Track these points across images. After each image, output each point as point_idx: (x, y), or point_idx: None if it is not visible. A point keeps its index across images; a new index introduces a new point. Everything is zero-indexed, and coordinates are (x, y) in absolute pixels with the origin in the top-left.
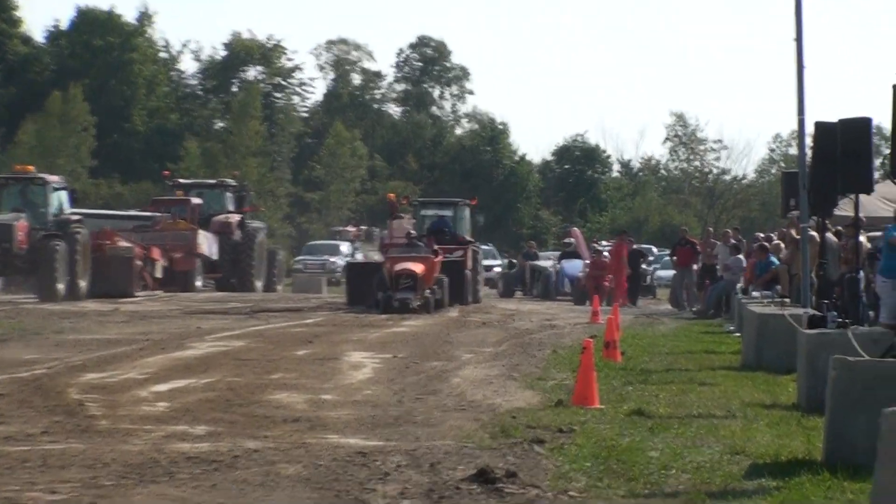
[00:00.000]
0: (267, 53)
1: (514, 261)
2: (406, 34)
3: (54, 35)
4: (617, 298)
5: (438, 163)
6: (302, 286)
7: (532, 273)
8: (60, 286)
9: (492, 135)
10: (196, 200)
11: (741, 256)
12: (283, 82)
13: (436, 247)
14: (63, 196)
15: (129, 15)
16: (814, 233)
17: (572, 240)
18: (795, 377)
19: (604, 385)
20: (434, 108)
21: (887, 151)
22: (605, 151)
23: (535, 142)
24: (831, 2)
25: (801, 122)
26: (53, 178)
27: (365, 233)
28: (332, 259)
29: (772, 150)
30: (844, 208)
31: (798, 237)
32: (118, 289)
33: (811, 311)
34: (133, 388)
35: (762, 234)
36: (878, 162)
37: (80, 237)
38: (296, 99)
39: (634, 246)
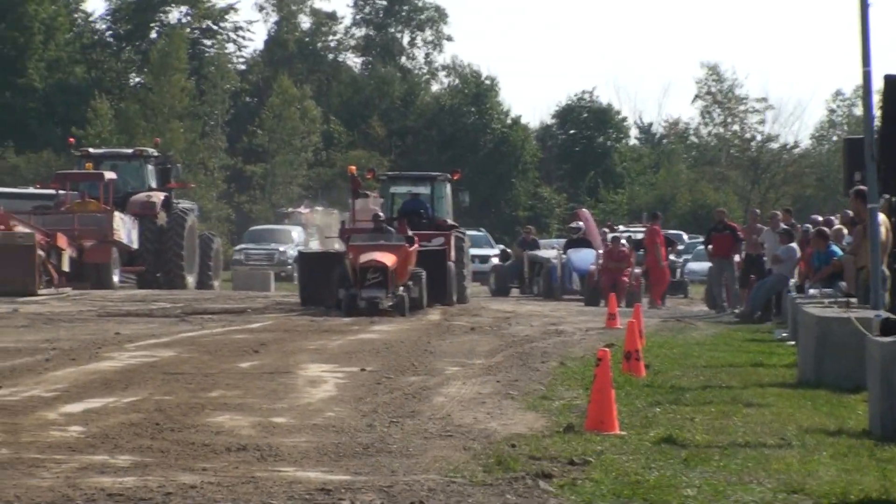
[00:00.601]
0: None
1: (509, 251)
2: None
3: None
4: (657, 298)
5: (411, 127)
6: (244, 282)
7: (531, 266)
8: None
9: (477, 92)
10: (110, 175)
11: (794, 245)
12: (215, 26)
13: (410, 233)
14: None
15: None
16: (884, 215)
17: (581, 224)
18: (866, 396)
19: (625, 406)
20: (404, 59)
21: None
22: (619, 113)
23: (531, 101)
24: None
25: (868, 76)
26: None
27: (321, 215)
28: (281, 248)
29: (831, 112)
30: None
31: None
32: (16, 285)
33: (884, 314)
34: (39, 409)
35: (820, 218)
36: None
37: None
38: (231, 48)
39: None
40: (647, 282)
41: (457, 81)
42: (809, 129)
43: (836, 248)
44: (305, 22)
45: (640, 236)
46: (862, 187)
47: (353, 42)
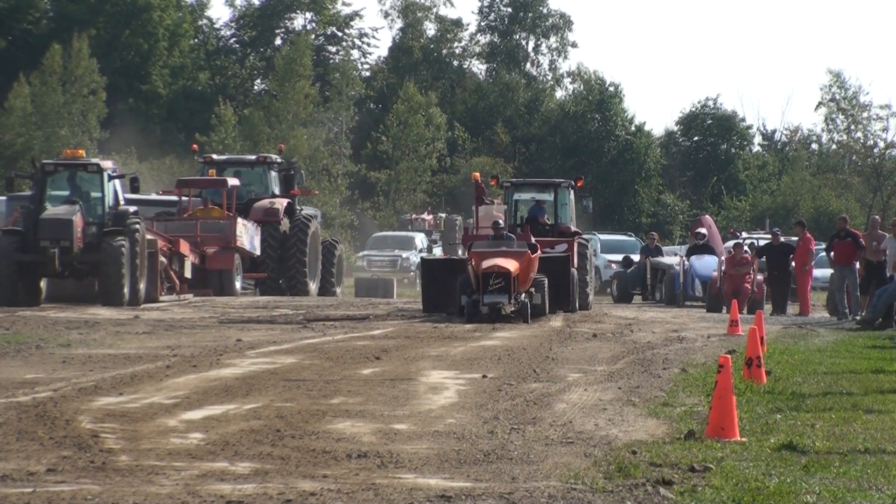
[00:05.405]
0: None
1: (632, 257)
2: None
3: None
4: (805, 307)
5: (535, 134)
6: (367, 288)
7: (654, 272)
8: (126, 290)
9: (601, 99)
10: (233, 181)
11: None
12: (339, 33)
13: (533, 239)
14: (118, 185)
15: None
16: None
17: (704, 230)
18: None
19: (746, 412)
20: (528, 66)
21: None
22: (743, 120)
23: (655, 108)
24: None
25: None
26: (108, 165)
27: (444, 222)
28: (404, 255)
29: None
30: None
31: None
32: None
33: None
34: (159, 416)
35: None
36: None
37: (139, 233)
38: (355, 54)
39: (782, 239)
40: (769, 289)
41: (581, 88)
42: None
43: None
44: (430, 29)
45: (762, 243)
46: None
47: (477, 49)
